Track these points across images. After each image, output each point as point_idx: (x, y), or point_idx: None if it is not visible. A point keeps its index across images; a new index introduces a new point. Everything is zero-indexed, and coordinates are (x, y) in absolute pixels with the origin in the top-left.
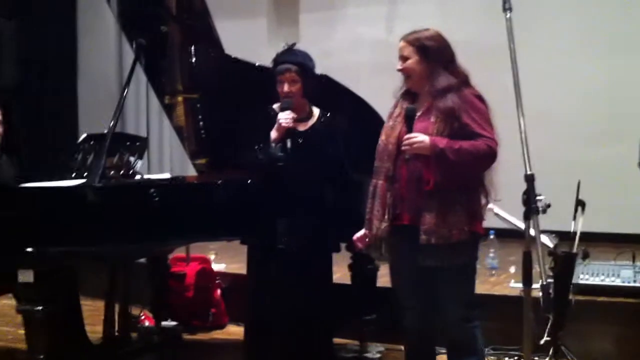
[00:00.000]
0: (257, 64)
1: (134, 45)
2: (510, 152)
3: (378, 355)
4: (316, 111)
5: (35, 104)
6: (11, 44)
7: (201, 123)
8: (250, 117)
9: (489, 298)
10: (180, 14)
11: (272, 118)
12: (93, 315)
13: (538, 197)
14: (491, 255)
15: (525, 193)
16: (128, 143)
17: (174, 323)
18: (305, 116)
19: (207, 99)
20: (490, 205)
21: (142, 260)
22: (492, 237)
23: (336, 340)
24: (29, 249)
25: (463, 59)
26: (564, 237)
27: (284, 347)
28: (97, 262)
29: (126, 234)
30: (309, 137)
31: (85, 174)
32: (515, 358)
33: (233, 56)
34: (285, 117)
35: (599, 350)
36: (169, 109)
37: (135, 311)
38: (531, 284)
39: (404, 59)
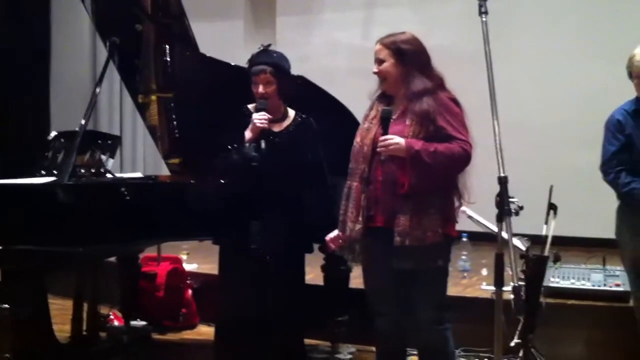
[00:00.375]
0: (232, 64)
1: (107, 44)
2: (484, 156)
3: (349, 357)
4: (291, 112)
5: (6, 101)
6: None
7: (175, 122)
8: (224, 117)
9: (460, 300)
10: (156, 13)
11: (247, 118)
12: (61, 315)
13: (511, 200)
14: (463, 257)
15: (498, 195)
16: (100, 141)
17: (143, 323)
18: (280, 117)
19: (181, 98)
20: (463, 208)
21: (112, 259)
22: (464, 239)
23: (308, 341)
24: None
25: (439, 64)
26: (536, 240)
27: (254, 347)
28: (65, 260)
29: (96, 233)
30: (283, 138)
31: (55, 172)
32: (486, 359)
33: (208, 56)
34: (259, 118)
35: (569, 353)
36: (142, 108)
37: (104, 310)
38: (503, 286)
39: (380, 61)
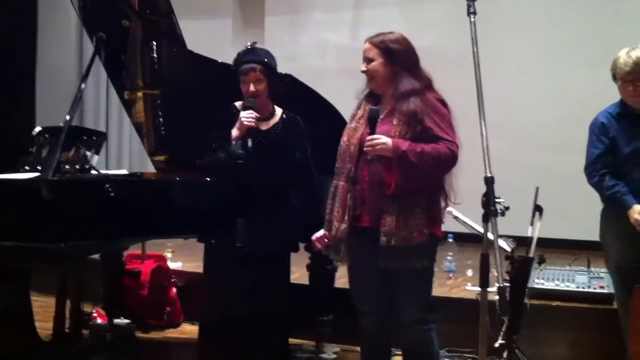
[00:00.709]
0: (219, 62)
1: (94, 39)
2: (471, 157)
3: (334, 356)
4: (278, 111)
5: None
6: None
7: (161, 120)
8: (211, 114)
9: (445, 301)
10: (143, 10)
11: (234, 116)
12: (44, 312)
13: (497, 200)
14: (449, 258)
15: (484, 195)
16: (85, 137)
17: (127, 321)
18: (267, 115)
19: (167, 95)
20: (449, 209)
21: (96, 256)
22: (450, 240)
23: (292, 340)
24: None
25: (426, 65)
26: (521, 242)
27: (238, 347)
28: (48, 257)
29: (79, 230)
30: (270, 136)
31: (39, 167)
32: None
33: (195, 53)
34: (247, 116)
35: (553, 354)
36: (128, 105)
37: (87, 308)
38: (488, 286)
39: (368, 60)
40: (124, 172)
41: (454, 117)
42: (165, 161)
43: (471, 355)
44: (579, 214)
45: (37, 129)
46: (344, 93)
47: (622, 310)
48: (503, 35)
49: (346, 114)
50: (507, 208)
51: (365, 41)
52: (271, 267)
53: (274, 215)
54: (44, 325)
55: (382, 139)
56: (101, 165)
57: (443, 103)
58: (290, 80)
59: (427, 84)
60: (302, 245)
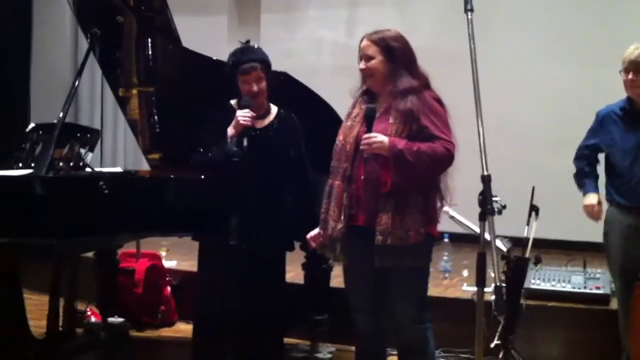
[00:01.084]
0: (214, 59)
1: (88, 36)
2: (467, 156)
3: (329, 356)
4: (274, 108)
5: None
6: None
7: (156, 117)
8: (206, 112)
9: (441, 300)
10: (138, 6)
11: (229, 114)
12: (38, 310)
13: (494, 198)
14: (445, 258)
15: (481, 194)
16: (79, 134)
17: (121, 319)
18: (263, 113)
19: (162, 92)
20: (445, 208)
21: (90, 254)
22: (446, 240)
23: (287, 340)
24: None
25: (421, 64)
26: (517, 242)
27: (233, 346)
28: (41, 254)
29: (72, 227)
30: (265, 134)
31: (32, 164)
32: None
33: (190, 50)
34: (244, 115)
35: (549, 354)
36: (123, 102)
37: (82, 306)
38: (484, 285)
39: (368, 58)
40: (119, 170)
41: (450, 116)
42: (160, 159)
43: (467, 356)
44: (575, 214)
45: (31, 125)
46: (339, 91)
47: (622, 310)
48: (499, 36)
49: (341, 112)
50: (504, 207)
51: (363, 38)
52: (266, 265)
53: (269, 213)
54: (37, 324)
55: (379, 137)
56: (96, 163)
57: (439, 102)
58: (285, 78)
59: (424, 83)
60: (297, 245)
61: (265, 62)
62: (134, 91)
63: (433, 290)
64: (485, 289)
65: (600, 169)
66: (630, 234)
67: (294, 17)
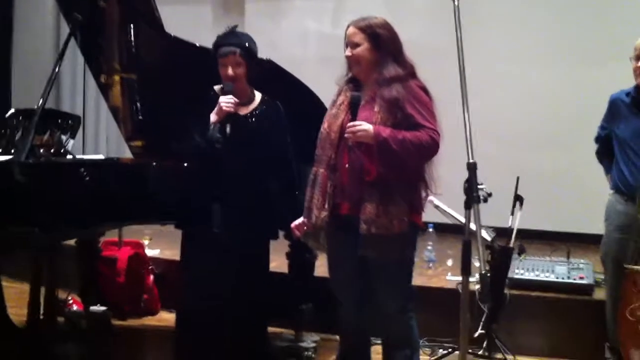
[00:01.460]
0: (198, 45)
1: (70, 21)
2: (451, 147)
3: (313, 345)
4: (258, 95)
5: None
6: None
7: (138, 104)
8: (189, 98)
9: (425, 290)
10: None
11: (212, 100)
12: (19, 298)
13: (480, 186)
14: (429, 248)
15: (467, 181)
16: (60, 121)
17: (103, 308)
18: (246, 100)
19: (145, 79)
20: (430, 197)
21: (71, 242)
22: (430, 230)
23: (271, 329)
24: None
25: (408, 55)
26: (500, 233)
27: (216, 335)
28: (21, 241)
29: (53, 214)
30: (249, 121)
31: (12, 150)
32: (450, 349)
33: (173, 36)
34: (226, 101)
35: (532, 344)
36: (105, 89)
37: (63, 295)
38: (469, 274)
39: (354, 45)
40: (101, 157)
41: (436, 105)
42: (142, 147)
43: (451, 345)
44: (558, 205)
45: (11, 111)
46: (324, 81)
47: (612, 294)
48: (486, 32)
49: (326, 101)
50: (489, 194)
51: (349, 25)
52: (250, 254)
53: (252, 201)
54: (18, 312)
55: (364, 126)
56: (78, 150)
57: (425, 91)
58: (270, 66)
59: (410, 71)
60: (281, 234)
61: (245, 48)
62: (116, 78)
63: (417, 280)
64: (470, 279)
65: None
66: (630, 227)
67: (280, 7)
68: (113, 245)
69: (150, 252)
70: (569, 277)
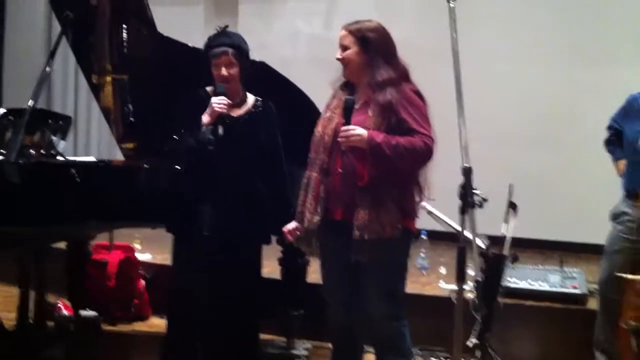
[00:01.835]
0: (190, 45)
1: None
2: (445, 153)
3: (305, 352)
4: (250, 97)
5: None
6: None
7: (130, 105)
8: (181, 99)
9: (418, 298)
10: None
11: (204, 101)
12: (7, 302)
13: (475, 191)
14: (422, 255)
15: (462, 186)
16: (50, 121)
17: (93, 313)
18: (239, 101)
19: (137, 80)
20: (423, 204)
21: (61, 245)
22: (424, 237)
23: (262, 335)
24: None
25: (401, 56)
26: (494, 241)
27: (207, 341)
28: (10, 242)
29: (43, 215)
30: (241, 123)
31: (2, 150)
32: (442, 358)
33: (165, 36)
34: (218, 102)
35: (525, 353)
36: (96, 89)
37: (52, 299)
38: (464, 280)
39: (344, 48)
40: (92, 159)
41: (430, 109)
42: (134, 148)
43: (443, 354)
44: (551, 213)
45: (1, 110)
46: (316, 83)
47: (603, 303)
48: (478, 34)
49: (318, 104)
50: (485, 200)
51: (342, 28)
52: (241, 258)
53: (244, 204)
54: (7, 316)
55: (357, 130)
56: (69, 152)
57: (419, 95)
58: (263, 67)
59: (403, 75)
60: (274, 239)
61: (238, 48)
62: (108, 78)
63: (410, 287)
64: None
65: None
66: (631, 249)
67: (272, 8)
68: (103, 248)
69: (141, 257)
70: (562, 286)
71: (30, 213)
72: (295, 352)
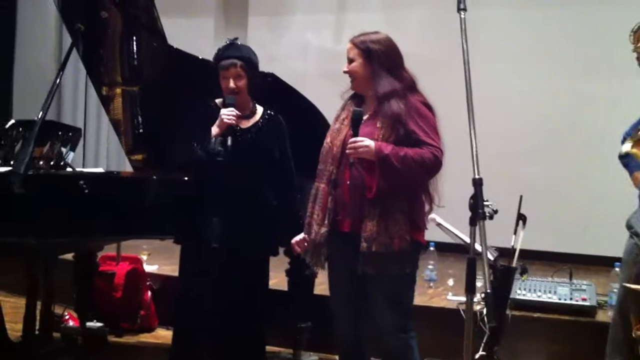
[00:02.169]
0: (200, 58)
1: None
2: (454, 164)
3: None
4: (260, 109)
5: None
6: None
7: (139, 117)
8: (191, 111)
9: (426, 310)
10: (123, 1)
11: (214, 113)
12: (14, 313)
13: (485, 203)
14: (430, 267)
15: (472, 198)
16: (60, 133)
17: (99, 324)
18: (248, 113)
19: (146, 91)
20: (432, 216)
21: (69, 257)
22: (432, 249)
23: (269, 347)
24: None
25: (408, 69)
26: (502, 253)
27: (213, 352)
28: (19, 253)
29: (51, 226)
30: (250, 134)
31: (12, 161)
32: None
33: (175, 48)
34: (228, 114)
35: None
36: (106, 101)
37: (59, 310)
38: (474, 292)
39: (350, 60)
40: (101, 170)
41: (438, 120)
42: (143, 160)
43: None
44: (560, 225)
45: (11, 122)
46: (325, 96)
47: (619, 313)
48: (484, 46)
49: (327, 116)
50: (495, 211)
51: (349, 41)
52: (249, 270)
53: (252, 216)
54: (13, 327)
55: (365, 142)
56: (78, 163)
57: (427, 106)
58: (272, 79)
59: (409, 85)
60: (281, 250)
61: (247, 60)
62: (118, 90)
63: (418, 300)
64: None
65: None
66: None
67: (281, 21)
68: (111, 260)
69: (148, 268)
70: (571, 299)
71: (39, 224)
72: None
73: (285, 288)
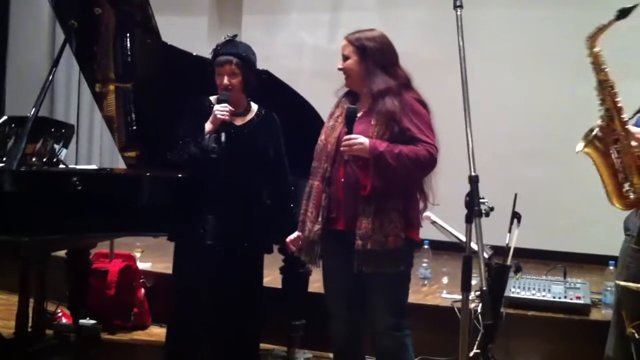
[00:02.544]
0: (194, 54)
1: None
2: (449, 162)
3: None
4: (254, 106)
5: None
6: None
7: (133, 114)
8: (184, 108)
9: (420, 308)
10: None
11: (208, 110)
12: (7, 310)
13: (481, 200)
14: (424, 265)
15: (468, 195)
16: (53, 129)
17: (92, 321)
18: (242, 111)
19: (140, 88)
20: (427, 213)
21: (61, 254)
22: (426, 247)
23: (263, 345)
24: None
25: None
26: (497, 251)
27: (207, 350)
28: (11, 250)
29: (44, 224)
30: (244, 132)
31: (4, 157)
32: None
33: (169, 44)
34: (221, 110)
35: None
36: (99, 98)
37: (52, 307)
38: (470, 290)
39: (344, 57)
40: (94, 167)
41: (433, 117)
42: (136, 157)
43: None
44: (555, 224)
45: (4, 118)
46: (320, 95)
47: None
48: (480, 45)
49: (322, 115)
50: (491, 209)
51: (344, 38)
52: (243, 268)
53: (246, 213)
54: (6, 324)
55: (359, 139)
56: (71, 160)
57: (422, 103)
58: (267, 77)
59: (403, 83)
60: (275, 248)
61: (243, 58)
62: (111, 87)
63: (412, 297)
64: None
65: None
66: None
67: (276, 20)
68: (104, 257)
69: (141, 265)
70: (565, 297)
71: (31, 221)
72: None
73: (280, 286)
